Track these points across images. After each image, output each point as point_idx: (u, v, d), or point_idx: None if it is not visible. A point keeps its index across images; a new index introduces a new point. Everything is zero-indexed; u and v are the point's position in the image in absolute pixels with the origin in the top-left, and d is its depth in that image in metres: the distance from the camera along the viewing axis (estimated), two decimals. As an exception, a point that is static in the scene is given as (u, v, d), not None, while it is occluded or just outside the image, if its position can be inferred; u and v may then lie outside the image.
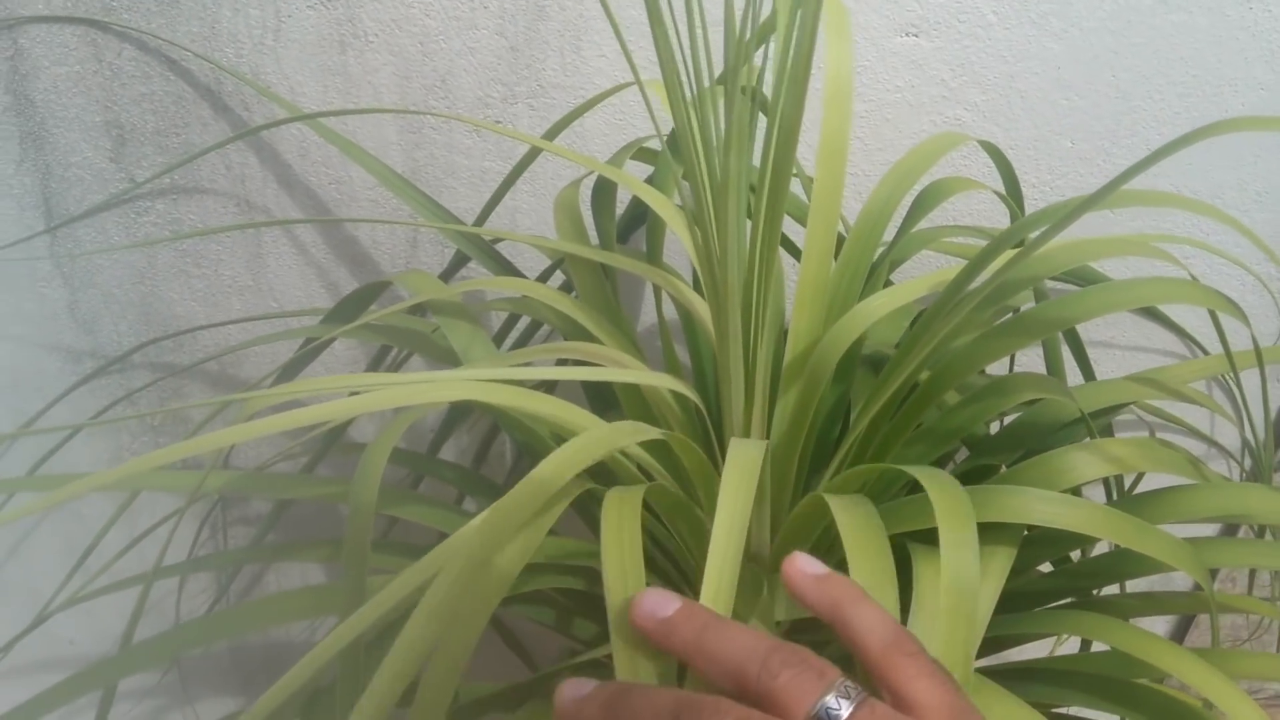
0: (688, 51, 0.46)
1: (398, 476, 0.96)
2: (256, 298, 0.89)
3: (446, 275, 0.81)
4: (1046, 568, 0.73)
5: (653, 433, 0.49)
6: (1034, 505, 0.56)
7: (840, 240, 0.67)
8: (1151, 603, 0.73)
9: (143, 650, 0.54)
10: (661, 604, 0.42)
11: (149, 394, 0.92)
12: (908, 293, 0.59)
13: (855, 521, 0.47)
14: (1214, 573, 1.15)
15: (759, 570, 0.61)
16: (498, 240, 0.80)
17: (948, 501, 0.49)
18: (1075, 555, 0.73)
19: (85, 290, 0.86)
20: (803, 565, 0.44)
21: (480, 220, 0.79)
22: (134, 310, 0.88)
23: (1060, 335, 0.80)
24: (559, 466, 0.45)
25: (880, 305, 0.59)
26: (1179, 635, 1.21)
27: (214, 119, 0.80)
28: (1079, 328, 0.93)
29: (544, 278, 0.76)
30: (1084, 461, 0.59)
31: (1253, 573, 0.84)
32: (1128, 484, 0.85)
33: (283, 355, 0.91)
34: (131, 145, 0.80)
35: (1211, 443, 1.02)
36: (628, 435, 0.49)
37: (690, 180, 0.49)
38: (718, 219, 0.48)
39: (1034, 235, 0.47)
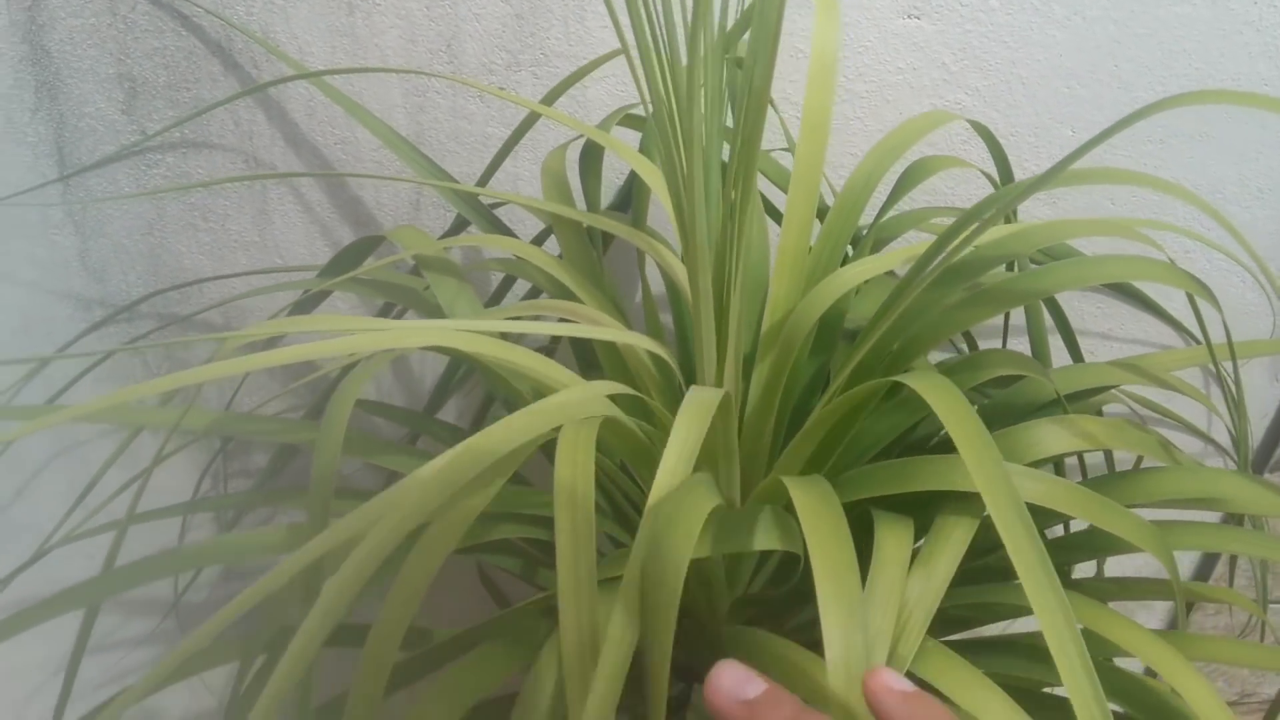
0: (661, 15, 0.47)
1: (399, 435, 0.98)
2: (262, 254, 0.91)
3: (449, 234, 0.83)
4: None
5: (602, 398, 0.51)
6: (998, 477, 0.56)
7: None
8: (1124, 588, 0.74)
9: (123, 573, 0.56)
10: (742, 683, 0.39)
11: (154, 342, 0.94)
12: (882, 263, 0.60)
13: (813, 504, 0.48)
14: (1212, 567, 1.15)
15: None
16: (497, 205, 0.81)
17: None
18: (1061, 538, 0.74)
19: (96, 239, 0.88)
20: (888, 680, 0.40)
21: (480, 184, 0.81)
22: (143, 261, 0.90)
23: (1051, 325, 0.81)
24: (500, 438, 0.46)
25: (855, 274, 0.60)
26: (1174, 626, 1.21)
27: (224, 75, 0.82)
28: (1073, 316, 0.93)
29: (538, 242, 0.78)
30: (1051, 435, 0.60)
31: (1233, 564, 0.84)
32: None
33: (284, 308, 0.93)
34: (143, 98, 0.82)
35: (1207, 439, 1.02)
36: (575, 409, 0.50)
37: (663, 140, 0.50)
38: (686, 174, 0.49)
39: (1011, 209, 0.48)
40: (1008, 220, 0.71)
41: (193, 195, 0.87)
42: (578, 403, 0.50)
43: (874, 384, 0.52)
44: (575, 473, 0.45)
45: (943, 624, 0.73)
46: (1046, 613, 0.45)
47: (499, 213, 0.78)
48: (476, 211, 0.76)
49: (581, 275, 0.64)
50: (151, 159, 0.85)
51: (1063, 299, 0.96)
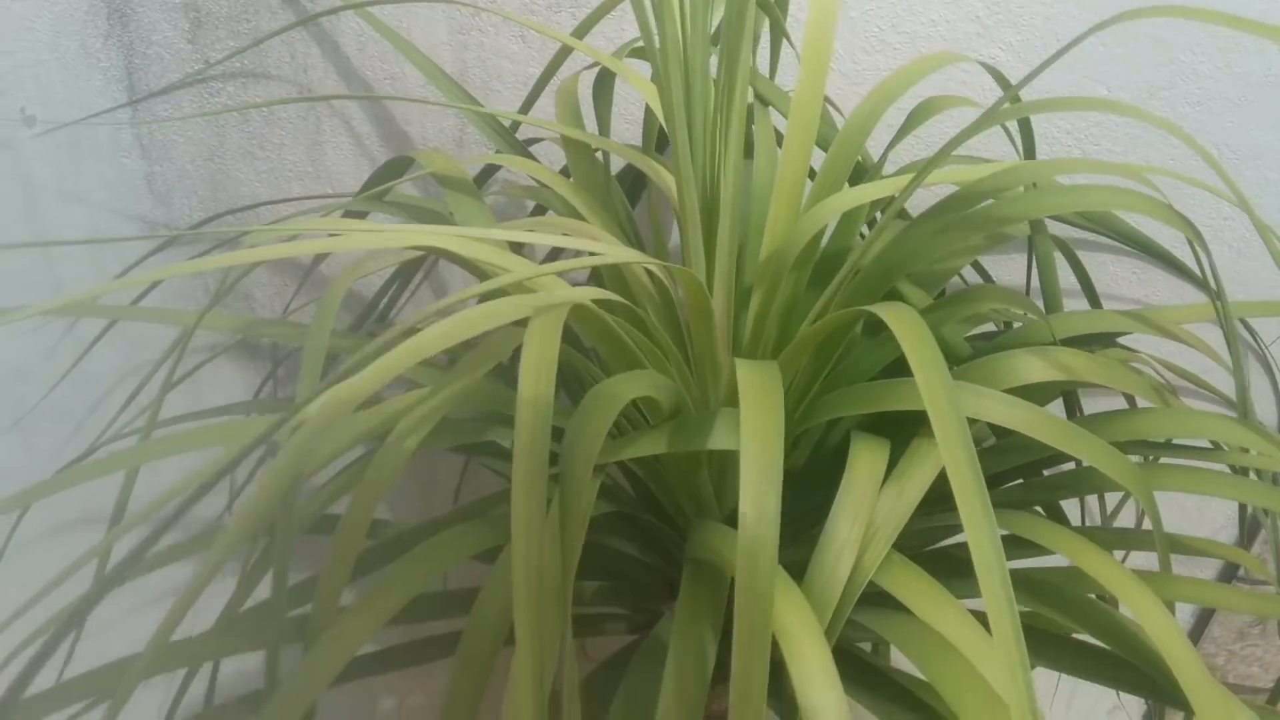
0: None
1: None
2: (315, 183, 0.95)
3: (486, 174, 0.86)
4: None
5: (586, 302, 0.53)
6: (968, 399, 0.58)
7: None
8: (1118, 538, 0.75)
9: (155, 445, 0.61)
10: None
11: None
12: (872, 191, 0.62)
13: (754, 378, 0.50)
14: (1253, 539, 1.13)
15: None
16: (532, 142, 0.85)
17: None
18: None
19: (161, 163, 0.94)
20: None
21: (514, 127, 0.84)
22: (204, 186, 0.95)
23: (1077, 289, 0.81)
24: (466, 323, 0.49)
25: (842, 202, 0.62)
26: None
27: (282, 9, 0.87)
28: (1107, 280, 0.93)
29: (566, 173, 0.81)
30: (1029, 365, 0.61)
31: (1244, 524, 0.84)
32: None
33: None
34: (207, 28, 0.88)
35: (1241, 412, 1.01)
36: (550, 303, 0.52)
37: (651, 61, 0.53)
38: (663, 76, 0.51)
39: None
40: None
41: (251, 124, 0.92)
42: (557, 300, 0.53)
43: (846, 313, 0.54)
44: (541, 356, 0.48)
45: (935, 561, 0.74)
46: (974, 526, 0.45)
47: (535, 150, 0.81)
48: (513, 147, 0.79)
49: (589, 196, 0.67)
50: (214, 87, 0.90)
51: (1096, 263, 0.97)
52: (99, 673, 0.54)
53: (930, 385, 0.48)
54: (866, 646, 0.77)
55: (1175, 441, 0.76)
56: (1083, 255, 0.97)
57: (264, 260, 0.53)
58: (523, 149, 0.79)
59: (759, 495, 0.44)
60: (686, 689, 0.50)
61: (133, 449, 0.64)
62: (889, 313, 0.51)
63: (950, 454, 0.46)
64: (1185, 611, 1.22)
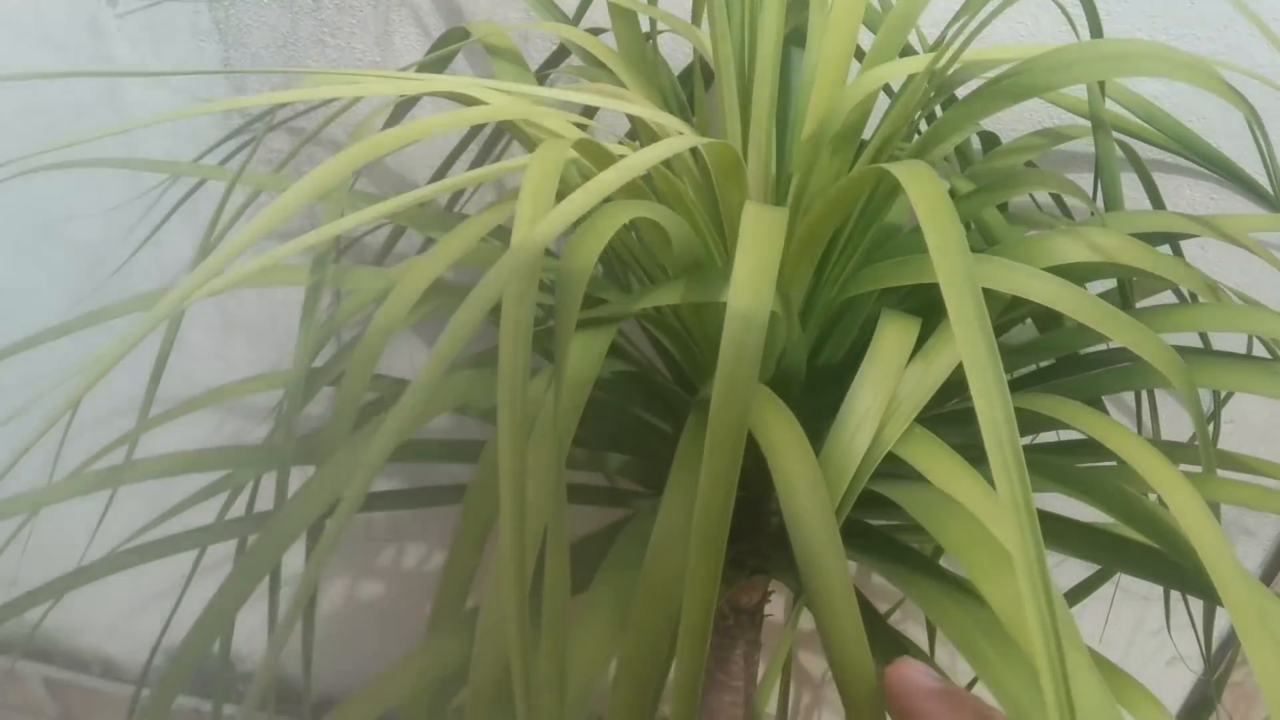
0: None
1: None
2: (382, 74, 0.97)
3: (547, 66, 0.87)
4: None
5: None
6: (999, 273, 0.56)
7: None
8: (1172, 449, 0.72)
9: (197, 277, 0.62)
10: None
11: (280, 154, 1.02)
12: (913, 65, 0.60)
13: (760, 213, 0.49)
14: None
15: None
16: (597, 32, 0.85)
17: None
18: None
19: (237, 49, 0.96)
20: (912, 675, 0.39)
21: (580, 12, 0.84)
22: (277, 73, 0.97)
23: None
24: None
25: (883, 74, 0.60)
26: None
27: (354, -108, 0.88)
28: (1182, 205, 0.90)
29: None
30: (1063, 245, 0.59)
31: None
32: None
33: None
34: (281, -89, 0.89)
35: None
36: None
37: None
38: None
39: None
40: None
41: (324, 12, 0.94)
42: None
43: (865, 170, 0.53)
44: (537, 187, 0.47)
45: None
46: (984, 395, 0.42)
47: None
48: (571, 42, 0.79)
49: (631, 64, 0.67)
50: (288, -27, 0.92)
51: (1172, 186, 0.93)
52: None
53: (935, 221, 0.45)
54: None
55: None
56: (1158, 178, 0.93)
57: (304, 100, 0.54)
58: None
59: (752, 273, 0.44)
60: (677, 530, 0.49)
61: (177, 288, 0.67)
62: (901, 170, 0.49)
63: (952, 292, 0.43)
64: (1251, 562, 1.18)
